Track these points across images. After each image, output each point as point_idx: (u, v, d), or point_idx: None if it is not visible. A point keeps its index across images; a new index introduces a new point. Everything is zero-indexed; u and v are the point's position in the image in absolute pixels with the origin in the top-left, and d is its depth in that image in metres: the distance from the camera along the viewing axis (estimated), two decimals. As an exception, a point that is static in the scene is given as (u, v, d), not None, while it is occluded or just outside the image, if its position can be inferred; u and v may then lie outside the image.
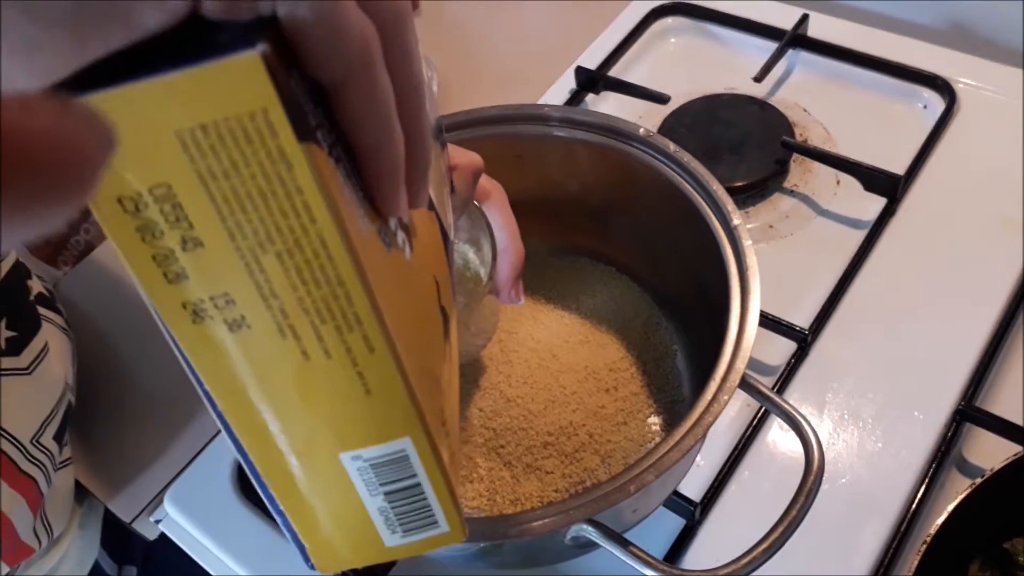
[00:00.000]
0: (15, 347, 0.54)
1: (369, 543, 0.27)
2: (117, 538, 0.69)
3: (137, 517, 0.62)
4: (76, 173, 0.15)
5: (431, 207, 0.34)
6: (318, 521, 0.26)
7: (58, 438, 0.57)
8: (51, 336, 0.59)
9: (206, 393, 0.24)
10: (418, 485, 0.26)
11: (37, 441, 0.55)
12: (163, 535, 0.63)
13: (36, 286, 0.61)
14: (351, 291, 0.22)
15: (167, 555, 0.68)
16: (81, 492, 0.64)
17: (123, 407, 0.67)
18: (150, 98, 0.19)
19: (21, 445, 0.53)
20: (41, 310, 0.59)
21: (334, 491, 0.25)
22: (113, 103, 0.19)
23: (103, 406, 0.67)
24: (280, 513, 0.26)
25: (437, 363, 0.31)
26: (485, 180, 0.47)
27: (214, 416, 0.24)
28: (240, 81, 0.19)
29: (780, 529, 0.40)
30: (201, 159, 0.20)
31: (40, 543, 0.57)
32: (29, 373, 0.55)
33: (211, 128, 0.20)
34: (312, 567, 0.27)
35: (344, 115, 0.23)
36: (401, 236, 0.28)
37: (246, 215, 0.21)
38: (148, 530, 0.63)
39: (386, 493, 0.26)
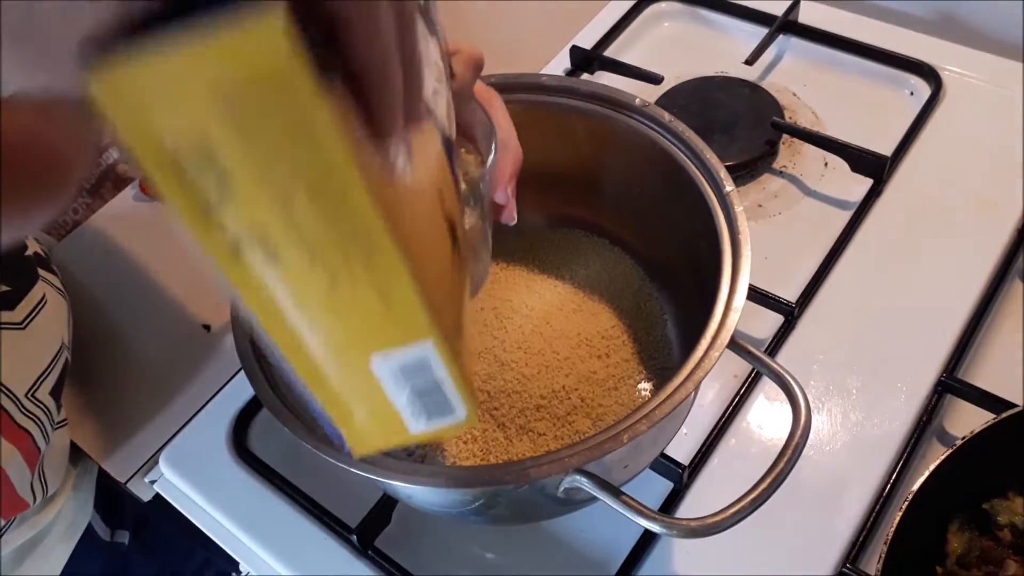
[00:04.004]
0: (9, 302, 0.54)
1: (397, 431, 0.30)
2: (110, 503, 0.69)
3: (132, 478, 0.63)
4: (56, 170, 0.16)
5: (427, 111, 0.35)
6: (352, 413, 0.30)
7: (55, 394, 0.58)
8: (47, 294, 0.59)
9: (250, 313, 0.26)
10: (437, 381, 0.29)
11: (32, 395, 0.55)
12: (156, 498, 0.63)
13: (33, 245, 0.61)
14: (371, 227, 0.24)
15: (159, 520, 0.68)
16: (75, 454, 0.64)
17: (118, 370, 0.68)
18: (187, 61, 0.20)
19: (15, 398, 0.54)
20: (37, 270, 0.59)
21: (364, 391, 0.29)
22: (148, 67, 0.20)
23: (98, 369, 0.68)
24: (318, 408, 0.29)
25: (447, 272, 0.34)
26: (483, 87, 0.48)
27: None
28: (261, 42, 0.20)
29: (768, 481, 0.41)
30: (232, 110, 0.21)
31: (35, 499, 0.58)
32: (23, 328, 0.55)
33: (239, 83, 0.21)
34: (349, 453, 0.31)
35: (348, 42, 0.24)
36: (402, 154, 0.29)
37: (277, 163, 0.22)
38: (142, 491, 0.63)
39: (410, 390, 0.29)
